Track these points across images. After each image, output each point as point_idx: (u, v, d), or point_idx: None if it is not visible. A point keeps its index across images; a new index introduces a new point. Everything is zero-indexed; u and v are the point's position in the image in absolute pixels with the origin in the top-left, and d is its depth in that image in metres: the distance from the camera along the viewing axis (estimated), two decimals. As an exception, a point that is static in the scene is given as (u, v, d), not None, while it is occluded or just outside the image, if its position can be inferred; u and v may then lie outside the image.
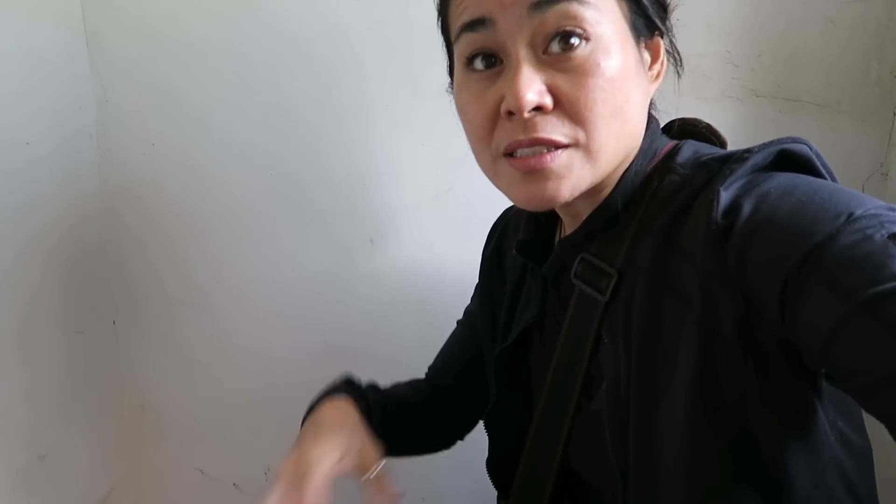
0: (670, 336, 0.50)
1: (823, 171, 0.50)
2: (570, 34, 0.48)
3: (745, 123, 0.95)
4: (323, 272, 1.01)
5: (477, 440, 1.05)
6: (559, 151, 0.50)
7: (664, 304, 0.50)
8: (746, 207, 0.46)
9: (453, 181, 0.99)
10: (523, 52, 0.49)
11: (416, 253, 1.01)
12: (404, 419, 0.74)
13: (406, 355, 0.86)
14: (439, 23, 0.59)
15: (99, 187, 0.98)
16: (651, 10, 0.53)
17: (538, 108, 0.49)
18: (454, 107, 0.56)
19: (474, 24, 0.50)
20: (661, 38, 0.56)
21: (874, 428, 0.47)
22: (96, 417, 1.00)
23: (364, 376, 0.75)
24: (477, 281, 0.79)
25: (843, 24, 0.92)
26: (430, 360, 0.83)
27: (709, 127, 0.62)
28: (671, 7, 0.56)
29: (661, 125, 0.61)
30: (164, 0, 0.95)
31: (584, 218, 0.57)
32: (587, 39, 0.48)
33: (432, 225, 1.00)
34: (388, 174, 0.99)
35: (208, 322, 1.02)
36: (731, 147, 0.58)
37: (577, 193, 0.52)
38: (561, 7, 0.47)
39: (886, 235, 0.40)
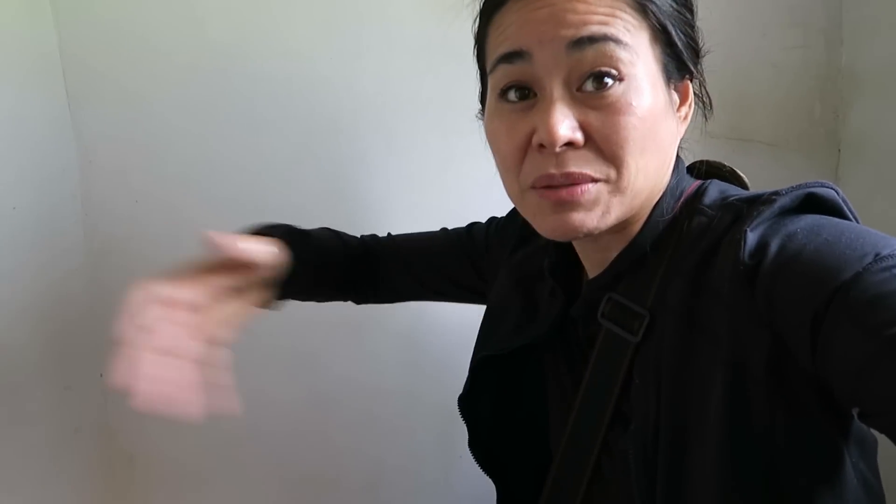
0: (700, 376, 0.50)
1: (850, 215, 0.51)
2: (606, 74, 0.48)
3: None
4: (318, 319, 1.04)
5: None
6: (589, 186, 0.50)
7: (694, 343, 0.50)
8: (773, 246, 0.46)
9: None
10: (558, 89, 0.49)
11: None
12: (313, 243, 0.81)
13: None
14: (475, 51, 0.60)
15: (83, 246, 1.01)
16: (685, 55, 0.54)
17: (569, 144, 0.49)
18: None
19: (512, 56, 0.51)
20: (691, 80, 0.56)
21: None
22: (87, 471, 1.01)
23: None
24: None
25: (787, 69, 0.99)
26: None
27: (732, 171, 0.63)
28: (703, 52, 0.57)
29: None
30: (144, 62, 0.98)
31: (613, 257, 0.58)
32: (621, 80, 0.49)
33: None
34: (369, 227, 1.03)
35: (195, 372, 1.04)
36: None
37: (602, 227, 0.52)
38: (599, 47, 0.48)
39: None
